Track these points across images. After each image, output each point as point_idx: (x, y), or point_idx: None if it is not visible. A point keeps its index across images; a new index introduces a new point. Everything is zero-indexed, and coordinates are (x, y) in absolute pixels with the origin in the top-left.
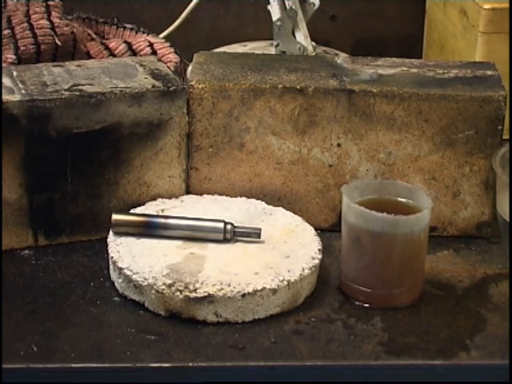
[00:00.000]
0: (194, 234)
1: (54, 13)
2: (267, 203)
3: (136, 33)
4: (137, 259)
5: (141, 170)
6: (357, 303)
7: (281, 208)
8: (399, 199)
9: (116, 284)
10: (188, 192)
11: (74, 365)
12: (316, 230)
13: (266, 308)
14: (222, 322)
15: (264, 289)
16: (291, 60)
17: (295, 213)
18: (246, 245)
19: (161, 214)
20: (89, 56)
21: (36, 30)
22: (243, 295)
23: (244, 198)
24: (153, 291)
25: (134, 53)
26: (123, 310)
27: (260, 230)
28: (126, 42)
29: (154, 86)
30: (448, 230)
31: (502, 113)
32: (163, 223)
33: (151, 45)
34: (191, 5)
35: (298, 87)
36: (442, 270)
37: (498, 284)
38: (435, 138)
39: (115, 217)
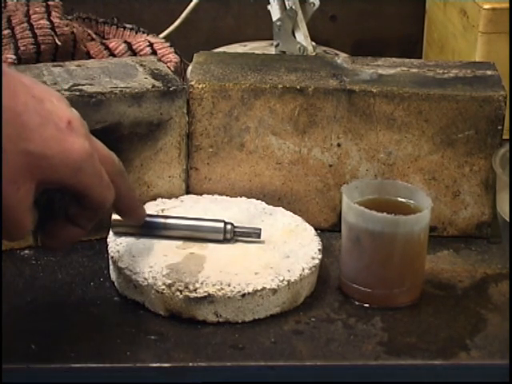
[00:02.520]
0: (194, 234)
1: (54, 13)
2: (267, 203)
3: (136, 33)
4: (137, 259)
5: (141, 170)
6: (357, 303)
7: (281, 208)
8: (399, 199)
9: (116, 284)
10: (188, 192)
11: (73, 365)
12: (316, 230)
13: (266, 308)
14: (222, 322)
15: (264, 289)
16: (291, 60)
17: (295, 213)
18: (246, 245)
19: (161, 213)
20: (89, 56)
21: (36, 30)
22: (243, 295)
23: (244, 198)
24: (153, 291)
25: (134, 53)
26: (123, 310)
27: (260, 229)
28: (126, 41)
29: (154, 86)
30: (448, 230)
31: (502, 113)
32: (163, 223)
33: (151, 45)
34: (191, 5)
35: (298, 87)
36: (442, 270)
37: (498, 284)
38: (435, 138)
39: (115, 217)
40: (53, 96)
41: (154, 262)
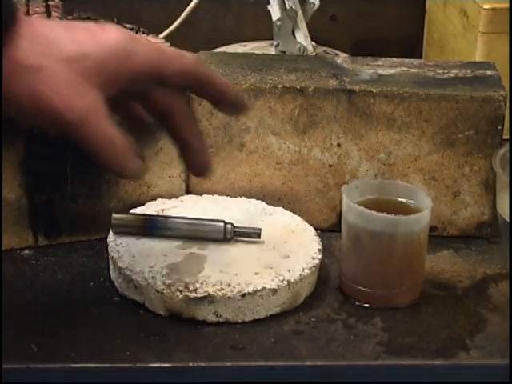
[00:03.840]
0: (194, 234)
1: (53, 13)
2: (267, 203)
3: (136, 33)
4: (137, 259)
5: None
6: (357, 303)
7: (281, 208)
8: (399, 199)
9: (116, 284)
10: (188, 192)
11: (73, 365)
12: (316, 230)
13: (266, 308)
14: (222, 322)
15: (264, 289)
16: (291, 60)
17: (295, 213)
18: (245, 245)
19: (161, 213)
20: None
21: None
22: (243, 295)
23: (244, 198)
24: (153, 291)
25: None
26: (123, 310)
27: (260, 229)
28: None
29: None
30: (448, 230)
31: (502, 113)
32: (163, 223)
33: None
34: (191, 5)
35: (298, 87)
36: (442, 270)
37: (498, 284)
38: (435, 138)
39: (115, 217)
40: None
41: (154, 262)
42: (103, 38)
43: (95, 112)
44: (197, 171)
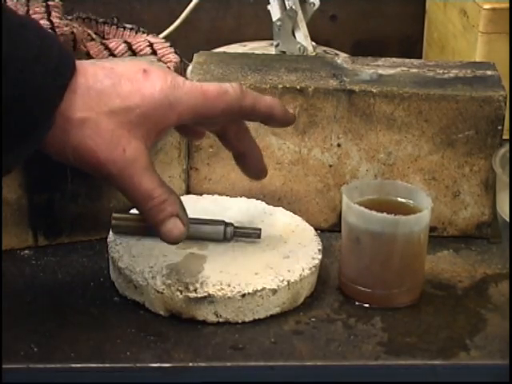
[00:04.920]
0: (194, 234)
1: (53, 13)
2: (267, 203)
3: (136, 33)
4: (137, 259)
5: None
6: (357, 303)
7: (281, 208)
8: (399, 199)
9: (116, 284)
10: (188, 192)
11: (73, 365)
12: (316, 230)
13: (265, 308)
14: (222, 322)
15: (264, 289)
16: (291, 60)
17: (295, 213)
18: (245, 245)
19: None
20: (89, 56)
21: None
22: (243, 295)
23: (244, 198)
24: (153, 291)
25: (134, 53)
26: (123, 310)
27: (260, 230)
28: (125, 42)
29: None
30: (448, 230)
31: (502, 113)
32: None
33: (151, 45)
34: (191, 5)
35: (298, 87)
36: (442, 270)
37: (498, 284)
38: (435, 138)
39: (115, 217)
40: (127, 62)
41: (154, 262)
42: (147, 89)
43: (135, 164)
44: (252, 176)
